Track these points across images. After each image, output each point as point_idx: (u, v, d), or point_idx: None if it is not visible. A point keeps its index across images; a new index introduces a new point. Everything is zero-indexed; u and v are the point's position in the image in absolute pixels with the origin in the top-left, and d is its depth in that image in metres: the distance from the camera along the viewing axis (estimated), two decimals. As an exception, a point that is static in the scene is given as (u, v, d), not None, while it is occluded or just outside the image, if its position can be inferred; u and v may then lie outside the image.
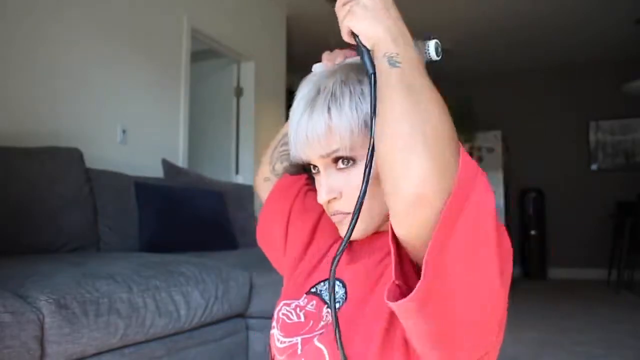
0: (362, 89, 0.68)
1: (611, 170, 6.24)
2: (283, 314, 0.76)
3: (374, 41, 0.60)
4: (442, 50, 0.76)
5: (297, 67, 5.55)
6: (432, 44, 0.78)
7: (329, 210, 0.72)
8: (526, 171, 6.46)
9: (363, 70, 0.69)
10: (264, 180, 0.97)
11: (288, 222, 0.88)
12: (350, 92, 0.67)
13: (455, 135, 0.54)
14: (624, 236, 4.95)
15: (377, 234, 0.74)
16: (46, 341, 1.23)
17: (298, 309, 0.75)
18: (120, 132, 2.87)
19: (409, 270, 0.58)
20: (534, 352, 2.73)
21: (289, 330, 0.73)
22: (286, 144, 0.91)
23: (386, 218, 0.71)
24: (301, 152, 0.69)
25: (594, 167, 6.34)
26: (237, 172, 4.17)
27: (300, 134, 0.68)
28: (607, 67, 6.16)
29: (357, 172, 0.67)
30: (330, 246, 0.83)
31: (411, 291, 0.52)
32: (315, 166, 0.71)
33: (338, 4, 0.66)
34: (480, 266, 0.54)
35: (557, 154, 6.44)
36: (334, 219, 0.72)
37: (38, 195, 2.00)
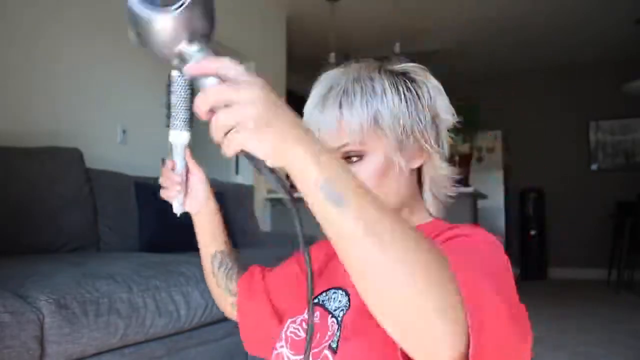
0: (373, 86, 0.70)
1: (611, 170, 6.24)
2: (291, 332, 0.76)
3: (281, 163, 0.46)
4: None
5: (297, 67, 5.54)
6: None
7: None
8: (526, 171, 6.46)
9: (374, 68, 0.72)
10: (232, 307, 0.95)
11: (272, 314, 0.88)
12: (362, 88, 0.70)
13: (445, 265, 0.46)
14: (624, 236, 4.95)
15: None
16: (46, 341, 1.23)
17: (304, 323, 0.76)
18: (120, 132, 2.87)
19: None
20: (534, 352, 2.72)
21: (298, 346, 0.74)
22: (222, 263, 0.92)
23: (401, 200, 0.74)
24: None
25: (594, 167, 6.34)
26: (237, 172, 4.17)
27: (312, 129, 0.67)
28: (607, 67, 6.16)
29: (364, 167, 0.70)
30: (329, 260, 0.83)
31: None
32: None
33: (214, 124, 0.48)
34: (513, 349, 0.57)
35: (557, 154, 6.44)
36: None
37: (38, 195, 2.00)
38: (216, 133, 0.48)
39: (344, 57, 0.77)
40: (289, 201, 0.48)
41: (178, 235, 2.44)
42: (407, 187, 0.75)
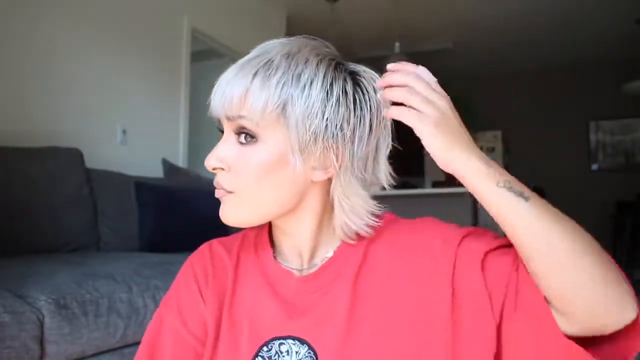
0: (302, 70, 0.59)
1: (611, 170, 6.24)
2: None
3: (464, 167, 0.57)
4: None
5: (297, 67, 5.55)
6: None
7: (215, 181, 0.64)
8: (526, 171, 6.45)
9: (320, 52, 0.62)
10: None
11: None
12: (288, 67, 0.59)
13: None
14: (624, 236, 4.95)
15: (323, 265, 0.66)
16: (46, 341, 1.23)
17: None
18: (120, 132, 2.87)
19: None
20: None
21: None
22: None
23: (276, 211, 0.64)
24: (213, 106, 0.63)
25: (594, 167, 6.34)
26: (237, 172, 4.17)
27: (219, 90, 0.62)
28: (607, 67, 6.16)
29: (254, 152, 0.61)
30: (227, 294, 0.69)
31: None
32: (221, 126, 0.65)
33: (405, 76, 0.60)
34: None
35: (557, 153, 6.44)
36: (216, 193, 0.64)
37: (38, 195, 2.00)
38: (404, 95, 0.58)
39: (344, 57, 0.68)
40: None
41: (178, 235, 2.45)
42: (295, 192, 0.63)
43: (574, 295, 0.53)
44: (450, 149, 0.56)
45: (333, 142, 0.60)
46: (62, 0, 2.56)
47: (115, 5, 2.88)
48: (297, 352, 0.62)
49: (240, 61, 0.62)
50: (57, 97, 2.52)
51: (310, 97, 0.59)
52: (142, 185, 2.45)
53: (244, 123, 0.60)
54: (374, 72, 0.65)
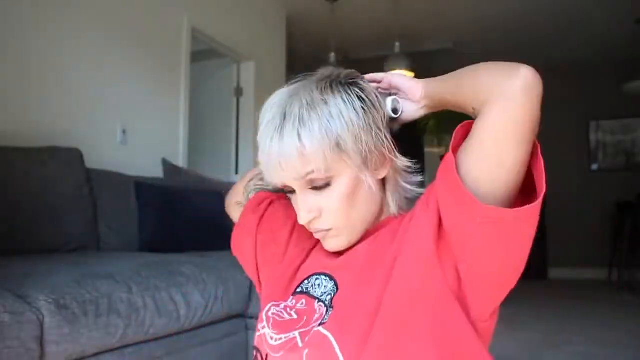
0: (329, 111, 0.68)
1: (611, 170, 6.24)
2: (273, 314, 0.77)
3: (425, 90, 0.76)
4: (399, 108, 0.77)
5: (297, 67, 5.55)
6: (389, 101, 0.76)
7: (310, 228, 0.74)
8: (526, 171, 6.46)
9: (325, 86, 0.70)
10: (236, 204, 1.00)
11: (257, 233, 0.90)
12: (319, 116, 0.68)
13: None
14: (624, 236, 4.95)
15: (375, 235, 0.77)
16: (46, 341, 1.23)
17: (288, 309, 0.76)
18: (120, 132, 2.87)
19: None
20: (534, 352, 2.72)
21: (283, 327, 0.74)
22: (261, 179, 0.93)
23: (368, 224, 0.75)
24: (275, 177, 0.71)
25: (594, 167, 6.34)
26: (236, 172, 4.17)
27: (273, 161, 0.69)
28: (608, 67, 6.16)
29: (333, 190, 0.70)
30: (312, 248, 0.85)
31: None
32: (290, 188, 0.73)
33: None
34: None
35: (557, 153, 6.43)
36: (317, 235, 0.75)
37: (38, 195, 2.00)
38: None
39: (344, 57, 0.77)
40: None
41: (178, 235, 2.45)
42: (377, 197, 0.75)
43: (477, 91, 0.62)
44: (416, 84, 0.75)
45: (380, 142, 0.71)
46: (62, 1, 2.56)
47: (115, 5, 2.87)
48: (325, 286, 0.75)
49: (272, 128, 0.70)
50: (57, 97, 2.52)
51: (348, 124, 0.68)
52: (142, 185, 2.45)
53: (314, 176, 0.69)
54: (354, 71, 0.76)
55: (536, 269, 6.18)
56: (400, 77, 0.77)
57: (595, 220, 6.10)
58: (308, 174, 0.68)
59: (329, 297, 0.73)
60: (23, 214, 1.93)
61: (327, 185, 0.70)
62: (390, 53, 4.55)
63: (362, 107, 0.70)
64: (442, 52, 5.72)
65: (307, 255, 0.84)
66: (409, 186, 0.77)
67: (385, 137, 0.71)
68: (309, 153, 0.67)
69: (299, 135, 0.67)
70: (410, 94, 0.75)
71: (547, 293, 5.06)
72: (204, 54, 4.02)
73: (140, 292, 1.51)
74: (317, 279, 0.77)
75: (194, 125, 3.63)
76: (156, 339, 1.59)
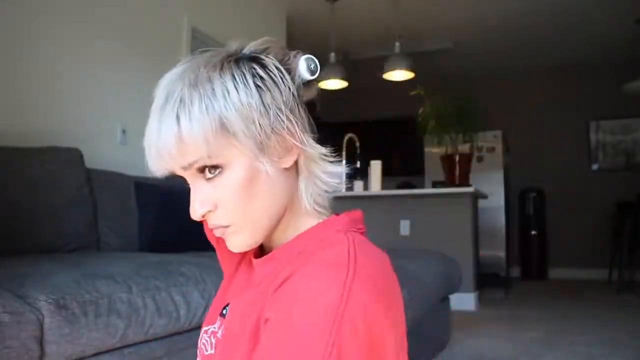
0: (212, 87, 0.59)
1: (612, 170, 6.24)
2: (202, 344, 0.73)
3: None
4: (317, 66, 0.66)
5: (297, 67, 5.55)
6: (301, 61, 0.66)
7: (210, 225, 0.65)
8: (526, 171, 6.46)
9: (215, 63, 0.62)
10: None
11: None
12: (200, 94, 0.59)
13: None
14: (624, 236, 4.95)
15: (273, 252, 0.68)
16: (45, 341, 1.23)
17: (212, 336, 0.72)
18: (120, 132, 2.87)
19: None
20: (534, 352, 2.72)
21: None
22: None
23: (276, 218, 0.65)
24: (157, 167, 0.63)
25: (594, 167, 6.34)
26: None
27: (152, 149, 0.62)
28: (608, 67, 6.16)
29: (226, 179, 0.61)
30: (238, 264, 0.79)
31: None
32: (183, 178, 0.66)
33: None
34: None
35: (557, 153, 6.44)
36: (217, 233, 0.65)
37: (38, 195, 2.00)
38: None
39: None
40: None
41: (178, 235, 2.45)
42: (282, 188, 0.64)
43: None
44: None
45: (280, 125, 0.61)
46: (62, 2, 2.56)
47: (115, 5, 2.87)
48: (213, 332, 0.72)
49: (154, 111, 0.62)
50: (56, 97, 2.52)
51: (235, 103, 0.59)
52: (142, 185, 2.45)
53: (199, 164, 0.60)
54: (267, 40, 0.66)
55: (536, 269, 6.19)
56: None
57: (595, 221, 6.10)
58: (192, 162, 0.60)
59: (214, 340, 0.70)
60: (23, 214, 1.93)
61: (220, 172, 0.61)
62: (390, 53, 4.54)
63: (257, 84, 0.60)
64: (442, 51, 5.73)
65: (234, 275, 0.79)
66: (328, 177, 0.66)
67: (288, 118, 0.61)
68: (187, 136, 0.58)
69: (177, 117, 0.59)
70: None
71: (547, 293, 5.06)
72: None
73: (140, 292, 1.51)
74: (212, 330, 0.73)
75: (194, 125, 3.63)
76: (156, 339, 1.59)
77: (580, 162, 6.37)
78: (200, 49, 0.66)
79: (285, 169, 0.64)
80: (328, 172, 0.66)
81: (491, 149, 5.95)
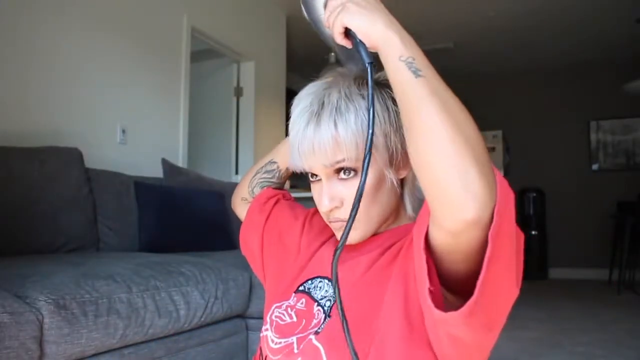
0: (366, 105, 0.69)
1: (612, 170, 6.24)
2: (276, 317, 0.78)
3: (378, 40, 0.61)
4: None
5: (297, 67, 5.54)
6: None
7: (329, 217, 0.75)
8: (527, 171, 6.46)
9: (363, 82, 0.72)
10: (242, 200, 1.01)
11: (263, 233, 0.92)
12: (356, 108, 0.70)
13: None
14: (624, 236, 4.95)
15: (373, 236, 0.77)
16: (45, 342, 1.23)
17: (289, 309, 0.78)
18: (119, 132, 2.87)
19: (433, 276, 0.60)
20: (534, 352, 2.72)
21: (283, 331, 0.76)
22: (268, 171, 0.96)
23: (384, 220, 0.76)
24: (305, 161, 0.72)
25: (594, 167, 6.34)
26: (236, 172, 4.17)
27: (306, 144, 0.71)
28: (608, 67, 6.16)
29: (357, 182, 0.68)
30: (319, 247, 0.85)
31: (441, 295, 0.58)
32: (314, 175, 0.75)
33: (329, 3, 0.68)
34: (512, 274, 0.57)
35: (557, 153, 6.43)
36: (334, 225, 0.75)
37: (37, 195, 2.00)
38: (330, 17, 0.67)
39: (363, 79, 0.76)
40: (369, 64, 0.64)
41: (178, 235, 2.44)
42: (397, 196, 0.76)
43: (429, 178, 0.55)
44: (370, 21, 0.61)
45: (405, 143, 0.69)
46: (61, 1, 2.56)
47: (115, 4, 2.87)
48: (326, 290, 0.76)
49: (308, 113, 0.72)
50: (56, 97, 2.51)
51: (380, 120, 0.71)
52: (141, 185, 2.44)
53: (345, 164, 0.70)
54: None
55: (536, 268, 6.18)
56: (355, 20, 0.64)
57: (595, 221, 6.10)
58: (338, 161, 0.70)
59: (328, 303, 0.74)
60: (22, 214, 1.93)
61: (353, 175, 0.71)
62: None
63: (395, 109, 0.71)
64: (442, 51, 5.72)
65: (312, 255, 0.85)
66: (418, 192, 0.78)
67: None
68: (342, 140, 0.69)
69: (335, 123, 0.69)
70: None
71: (548, 293, 5.06)
72: (204, 53, 4.02)
73: (140, 292, 1.51)
74: (320, 281, 0.78)
75: (193, 125, 3.63)
76: (156, 339, 1.59)
77: (581, 162, 6.37)
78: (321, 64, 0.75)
79: (400, 179, 0.75)
80: (418, 187, 0.76)
81: (491, 149, 5.95)
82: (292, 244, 0.89)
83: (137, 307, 1.48)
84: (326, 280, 0.77)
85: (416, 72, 0.57)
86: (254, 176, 0.98)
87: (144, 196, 2.41)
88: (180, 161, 3.30)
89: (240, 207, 1.01)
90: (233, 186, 3.49)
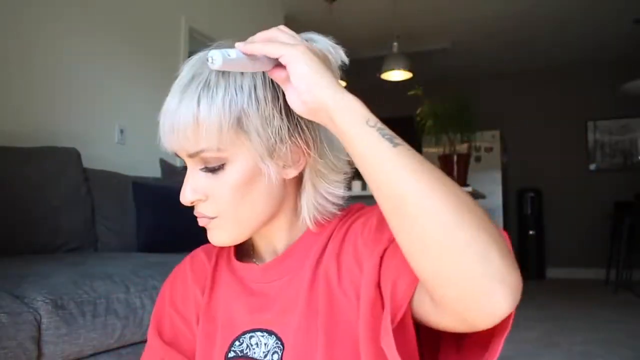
0: (242, 82, 0.58)
1: (609, 170, 6.26)
2: None
3: (329, 98, 0.50)
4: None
5: (296, 67, 5.54)
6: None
7: (196, 211, 0.64)
8: (524, 171, 6.47)
9: (254, 59, 0.56)
10: None
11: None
12: (227, 83, 0.58)
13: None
14: (622, 236, 4.96)
15: (283, 253, 0.67)
16: (43, 342, 1.23)
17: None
18: (118, 131, 2.87)
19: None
20: (532, 352, 2.73)
21: None
22: None
23: (260, 225, 0.64)
24: (166, 142, 0.61)
25: (592, 167, 6.35)
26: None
27: (167, 123, 0.60)
28: (606, 67, 6.17)
29: (225, 174, 0.60)
30: (211, 294, 0.71)
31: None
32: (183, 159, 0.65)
33: (277, 32, 0.56)
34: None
35: (555, 153, 6.44)
36: (201, 222, 0.65)
37: (35, 195, 1.99)
38: (263, 35, 0.56)
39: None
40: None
41: (176, 235, 2.44)
42: (278, 197, 0.63)
43: (444, 276, 0.45)
44: (321, 82, 0.51)
45: (297, 134, 0.60)
46: (61, 1, 2.56)
47: (113, 5, 2.87)
48: (265, 344, 0.63)
49: (177, 87, 0.61)
50: (54, 97, 2.51)
51: (259, 102, 0.58)
52: (139, 185, 2.44)
53: (207, 155, 0.59)
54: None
55: (534, 268, 6.19)
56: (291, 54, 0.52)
57: (593, 220, 6.11)
58: (200, 151, 0.59)
59: (276, 356, 0.62)
60: (20, 214, 1.92)
61: (220, 168, 0.60)
62: (388, 53, 4.55)
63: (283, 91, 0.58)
64: (440, 51, 5.73)
65: (208, 309, 0.70)
66: (331, 198, 0.65)
67: (308, 128, 0.60)
68: (203, 121, 0.57)
69: (198, 99, 0.58)
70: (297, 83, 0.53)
71: (545, 293, 5.07)
72: (202, 53, 4.01)
73: (137, 292, 1.51)
74: (251, 336, 0.65)
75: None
76: (154, 339, 1.58)
77: (578, 162, 6.38)
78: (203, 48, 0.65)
79: (285, 181, 0.63)
80: (332, 192, 0.64)
81: (489, 149, 5.96)
82: (190, 312, 0.72)
83: (135, 307, 1.48)
84: (259, 332, 0.64)
85: (392, 140, 0.48)
86: None
87: (142, 196, 2.40)
88: (178, 161, 3.29)
89: None
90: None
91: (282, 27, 0.57)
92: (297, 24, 4.92)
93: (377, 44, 5.29)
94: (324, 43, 0.62)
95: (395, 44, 4.54)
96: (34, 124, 2.40)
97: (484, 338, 0.52)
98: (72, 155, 2.24)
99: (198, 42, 3.65)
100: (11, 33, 2.32)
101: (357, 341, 0.57)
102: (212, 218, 0.63)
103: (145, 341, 1.58)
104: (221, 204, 0.61)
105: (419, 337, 0.56)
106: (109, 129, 2.83)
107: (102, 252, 2.23)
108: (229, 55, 0.53)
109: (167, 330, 0.73)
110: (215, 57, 0.52)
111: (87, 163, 2.33)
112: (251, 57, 0.54)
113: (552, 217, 6.31)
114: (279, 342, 0.62)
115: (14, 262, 1.56)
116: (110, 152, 2.79)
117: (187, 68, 0.62)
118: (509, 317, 0.47)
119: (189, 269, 0.74)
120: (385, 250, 0.55)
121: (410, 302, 0.52)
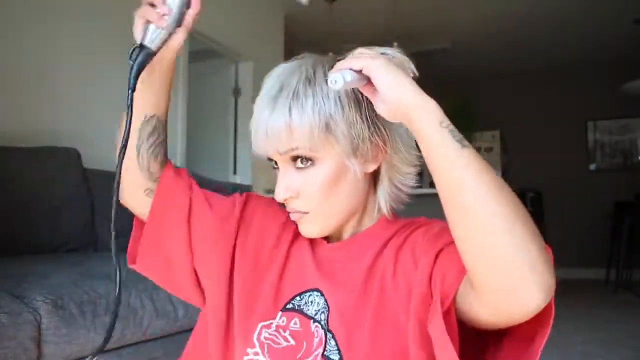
0: (327, 91, 0.66)
1: (609, 170, 6.25)
2: (266, 339, 0.70)
3: (411, 102, 0.57)
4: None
5: (296, 67, 5.54)
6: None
7: (288, 207, 0.71)
8: (524, 171, 6.47)
9: (331, 66, 0.65)
10: (145, 193, 0.82)
11: (235, 247, 0.77)
12: (314, 93, 0.65)
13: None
14: (622, 236, 4.96)
15: (351, 238, 0.74)
16: (43, 342, 1.23)
17: (281, 330, 0.70)
18: (117, 132, 2.86)
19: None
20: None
21: (281, 355, 0.69)
22: (153, 132, 0.79)
23: (347, 216, 0.71)
24: (260, 147, 0.68)
25: (592, 167, 6.35)
26: (234, 172, 4.17)
27: (260, 131, 0.67)
28: (606, 67, 6.17)
29: (315, 173, 0.67)
30: (289, 248, 0.76)
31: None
32: (274, 161, 0.71)
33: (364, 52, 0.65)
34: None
35: (555, 153, 6.44)
36: (292, 217, 0.72)
37: (35, 195, 1.99)
38: (357, 57, 0.62)
39: (342, 56, 0.72)
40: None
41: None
42: (361, 190, 0.71)
43: (488, 264, 0.52)
44: (402, 84, 0.57)
45: (377, 133, 0.68)
46: (61, 2, 2.56)
47: (114, 4, 2.87)
48: (317, 302, 0.70)
49: (267, 97, 0.67)
50: (54, 97, 2.51)
51: (344, 108, 0.66)
52: (140, 185, 2.44)
53: (299, 152, 0.66)
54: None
55: (534, 268, 6.19)
56: (388, 74, 0.59)
57: (593, 220, 6.11)
58: (293, 149, 0.66)
59: (322, 316, 0.68)
60: (20, 214, 1.92)
61: (311, 165, 0.67)
62: (389, 53, 4.54)
63: (362, 97, 0.66)
64: (440, 52, 5.73)
65: (286, 259, 0.76)
66: (405, 188, 0.73)
67: (384, 130, 0.68)
68: (296, 127, 0.65)
69: (289, 109, 0.65)
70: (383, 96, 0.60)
71: (545, 293, 5.06)
72: (202, 53, 4.01)
73: (138, 292, 1.51)
74: (309, 295, 0.72)
75: (192, 125, 3.62)
76: (154, 340, 1.59)
77: (578, 162, 6.38)
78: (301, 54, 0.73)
79: (366, 173, 0.70)
80: (405, 184, 0.73)
81: (489, 149, 5.96)
82: (264, 246, 0.77)
83: (135, 307, 1.48)
84: (316, 293, 0.71)
85: (461, 142, 0.55)
86: (138, 152, 0.80)
87: (142, 196, 2.40)
88: (179, 161, 3.30)
89: (144, 203, 0.82)
90: (231, 186, 3.45)
91: (360, 49, 0.67)
92: (297, 24, 4.92)
93: (377, 44, 5.26)
94: (398, 56, 0.70)
95: (395, 44, 4.53)
96: (34, 124, 2.39)
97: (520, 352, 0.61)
98: (72, 155, 2.24)
99: (198, 42, 3.65)
100: (12, 33, 2.32)
101: (401, 334, 0.62)
102: (305, 213, 0.70)
103: (145, 341, 1.59)
104: (312, 200, 0.68)
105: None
106: (109, 129, 2.82)
107: (102, 252, 2.23)
108: (344, 77, 0.59)
109: (222, 206, 0.79)
110: (338, 80, 0.59)
111: (86, 163, 2.33)
112: (359, 75, 0.61)
113: (552, 217, 6.31)
114: (327, 306, 0.69)
115: (13, 262, 1.57)
116: (110, 152, 2.78)
117: (272, 80, 0.69)
118: (545, 329, 0.60)
119: (284, 215, 0.79)
120: (441, 250, 0.61)
121: (455, 295, 0.58)
